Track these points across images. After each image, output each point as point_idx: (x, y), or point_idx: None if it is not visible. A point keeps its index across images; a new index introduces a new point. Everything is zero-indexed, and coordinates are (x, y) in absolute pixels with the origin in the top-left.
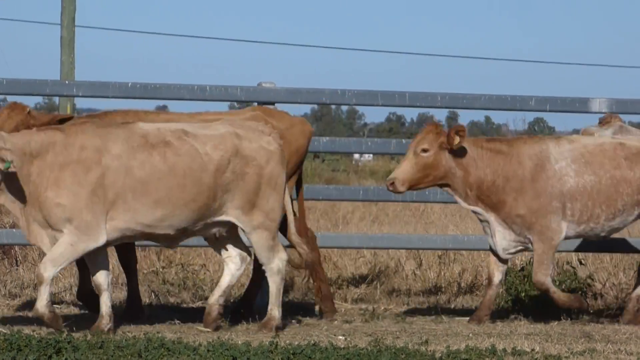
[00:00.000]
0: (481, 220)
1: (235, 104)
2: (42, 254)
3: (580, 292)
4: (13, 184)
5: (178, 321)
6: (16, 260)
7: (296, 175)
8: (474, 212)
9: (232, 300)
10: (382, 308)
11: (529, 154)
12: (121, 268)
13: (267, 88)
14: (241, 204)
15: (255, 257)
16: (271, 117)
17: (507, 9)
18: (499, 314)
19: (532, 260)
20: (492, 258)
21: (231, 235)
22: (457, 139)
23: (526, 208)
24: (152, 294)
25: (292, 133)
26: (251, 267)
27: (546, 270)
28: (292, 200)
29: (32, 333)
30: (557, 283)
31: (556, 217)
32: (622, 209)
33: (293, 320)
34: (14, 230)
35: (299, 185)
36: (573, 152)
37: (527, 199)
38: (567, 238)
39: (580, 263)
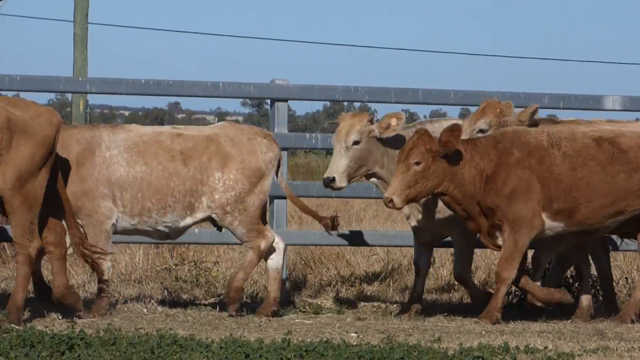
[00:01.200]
0: None
1: (248, 100)
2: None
3: (593, 290)
4: None
5: (191, 318)
6: None
7: (47, 167)
8: None
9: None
10: (395, 305)
11: (78, 139)
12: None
13: (279, 85)
14: None
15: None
16: (15, 107)
17: (520, 6)
18: (511, 312)
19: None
20: None
21: None
22: None
23: (70, 192)
24: (165, 291)
25: (38, 123)
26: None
27: (93, 247)
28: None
29: (45, 329)
30: (572, 281)
31: (106, 202)
32: (173, 205)
33: (304, 318)
34: None
35: (55, 178)
36: (127, 142)
37: (71, 184)
38: (127, 232)
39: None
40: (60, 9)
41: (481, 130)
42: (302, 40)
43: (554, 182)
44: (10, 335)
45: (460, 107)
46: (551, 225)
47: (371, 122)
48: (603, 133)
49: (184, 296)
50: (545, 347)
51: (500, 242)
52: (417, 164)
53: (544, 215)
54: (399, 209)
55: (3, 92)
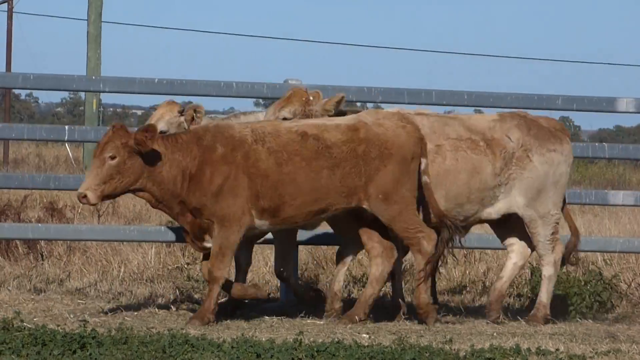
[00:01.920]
0: None
1: (261, 100)
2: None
3: (609, 293)
4: None
5: None
6: (42, 255)
7: None
8: None
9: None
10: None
11: None
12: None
13: (293, 85)
14: None
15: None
16: None
17: (535, 8)
18: (523, 314)
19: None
20: None
21: None
22: None
23: None
24: (177, 290)
25: None
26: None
27: None
28: None
29: (56, 328)
30: (583, 283)
31: None
32: None
33: (316, 318)
34: (39, 225)
35: None
36: None
37: None
38: None
39: (606, 263)
40: (74, 7)
41: (285, 119)
42: (316, 40)
43: (260, 179)
44: (22, 333)
45: (473, 108)
46: (257, 223)
47: (181, 113)
48: (308, 128)
49: (196, 295)
50: (557, 349)
51: (207, 243)
52: (112, 158)
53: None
54: (94, 204)
55: (17, 91)
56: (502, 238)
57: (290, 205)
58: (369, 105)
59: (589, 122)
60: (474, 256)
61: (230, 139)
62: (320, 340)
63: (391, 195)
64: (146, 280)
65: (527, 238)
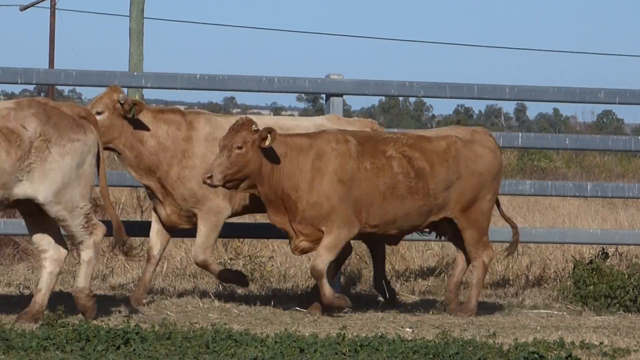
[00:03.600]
0: None
1: (303, 95)
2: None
3: None
4: None
5: (246, 313)
6: None
7: None
8: None
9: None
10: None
11: None
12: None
13: (335, 80)
14: None
15: None
16: None
17: (577, 2)
18: (564, 307)
19: (600, 253)
20: None
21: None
22: None
23: None
24: (220, 286)
25: None
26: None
27: None
28: None
29: (100, 324)
30: (627, 276)
31: None
32: None
33: (359, 313)
34: None
35: None
36: None
37: None
38: None
39: None
40: (116, 3)
41: None
42: (358, 35)
43: None
44: (67, 329)
45: (515, 102)
46: None
47: None
48: None
49: (239, 291)
50: (601, 343)
51: None
52: None
53: None
54: None
55: (59, 87)
56: (34, 241)
57: None
58: (411, 99)
59: (632, 115)
60: (517, 250)
61: None
62: (363, 335)
63: None
64: (189, 276)
65: (60, 240)
